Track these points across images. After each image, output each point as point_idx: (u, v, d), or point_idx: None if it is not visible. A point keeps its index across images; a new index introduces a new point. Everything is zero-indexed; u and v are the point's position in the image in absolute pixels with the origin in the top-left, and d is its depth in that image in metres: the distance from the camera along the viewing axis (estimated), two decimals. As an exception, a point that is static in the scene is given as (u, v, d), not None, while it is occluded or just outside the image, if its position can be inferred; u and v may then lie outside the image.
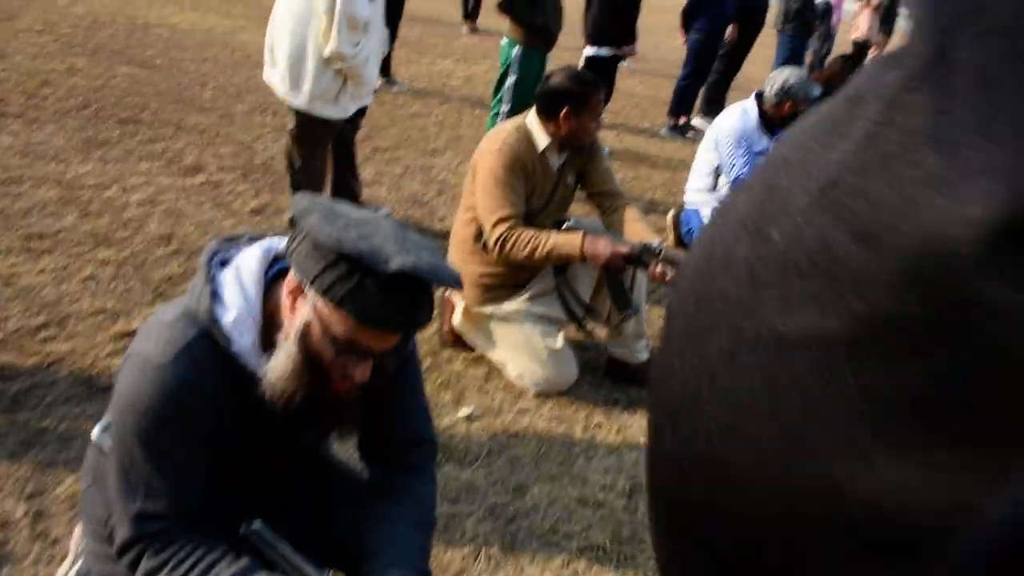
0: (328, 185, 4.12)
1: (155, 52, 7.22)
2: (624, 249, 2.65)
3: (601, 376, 3.11)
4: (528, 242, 2.67)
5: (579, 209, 3.79)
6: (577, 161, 2.98)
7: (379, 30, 3.66)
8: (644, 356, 3.04)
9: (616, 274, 2.76)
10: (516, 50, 4.69)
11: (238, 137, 5.25)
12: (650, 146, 6.82)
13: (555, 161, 2.90)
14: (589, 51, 5.82)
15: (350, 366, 1.27)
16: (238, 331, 1.28)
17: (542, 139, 2.83)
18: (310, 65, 3.49)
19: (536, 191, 2.85)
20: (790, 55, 8.77)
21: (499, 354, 2.97)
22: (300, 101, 3.58)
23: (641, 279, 2.91)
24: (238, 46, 8.07)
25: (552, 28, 4.74)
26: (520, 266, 2.82)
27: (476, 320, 2.99)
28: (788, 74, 4.09)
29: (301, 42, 3.46)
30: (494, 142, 2.80)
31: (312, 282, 1.22)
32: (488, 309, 2.92)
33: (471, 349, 3.09)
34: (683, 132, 7.43)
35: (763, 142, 4.20)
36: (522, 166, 2.77)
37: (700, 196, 4.36)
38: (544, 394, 2.92)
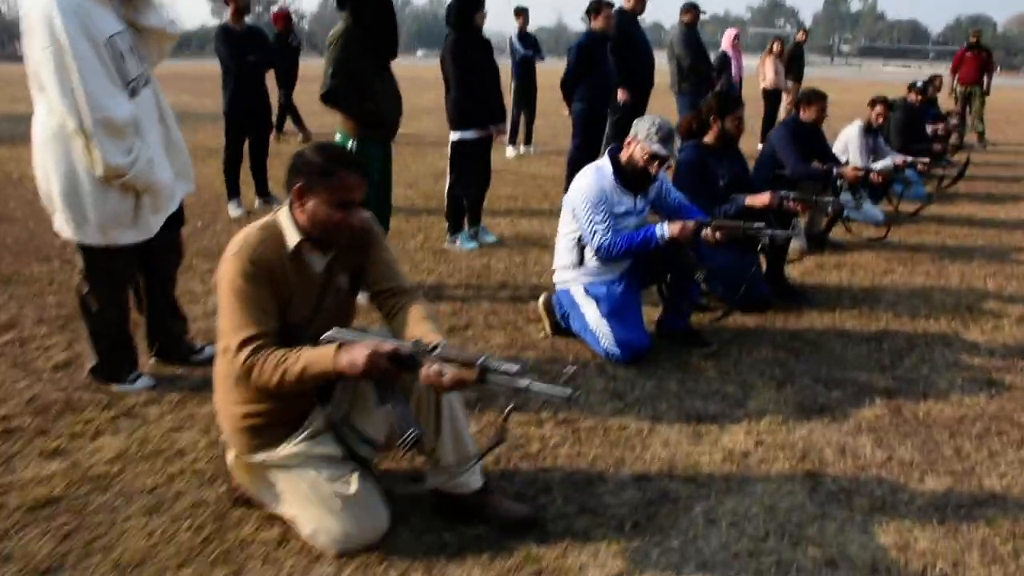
0: (141, 326, 3.57)
1: (16, 204, 6.86)
2: (386, 347, 2.03)
3: (430, 516, 2.49)
4: (275, 365, 2.07)
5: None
6: (350, 258, 2.39)
7: (155, 126, 3.16)
8: (476, 482, 2.43)
9: (387, 384, 2.12)
10: (351, 145, 4.21)
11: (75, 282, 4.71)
12: (545, 227, 6.33)
13: (317, 262, 2.31)
14: (454, 136, 5.40)
15: None
16: None
17: (292, 235, 2.25)
18: (87, 191, 2.98)
19: (294, 301, 2.26)
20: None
21: (287, 509, 2.35)
22: (92, 236, 3.07)
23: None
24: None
25: (387, 113, 4.27)
26: (288, 400, 2.24)
27: (252, 471, 2.38)
28: (647, 123, 3.60)
29: (69, 169, 2.97)
30: (233, 245, 2.23)
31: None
32: (260, 457, 2.32)
33: (269, 505, 2.47)
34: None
35: (625, 201, 3.70)
36: (267, 272, 2.18)
37: (568, 274, 3.82)
38: (347, 553, 2.29)
